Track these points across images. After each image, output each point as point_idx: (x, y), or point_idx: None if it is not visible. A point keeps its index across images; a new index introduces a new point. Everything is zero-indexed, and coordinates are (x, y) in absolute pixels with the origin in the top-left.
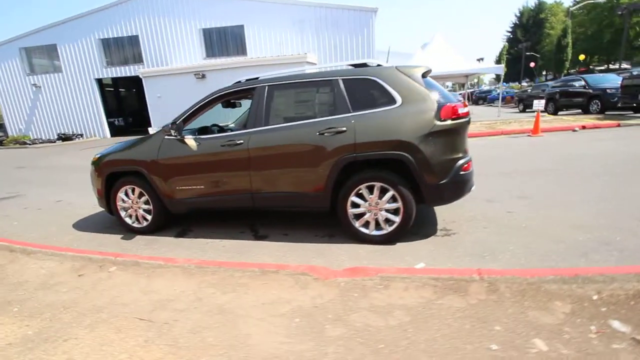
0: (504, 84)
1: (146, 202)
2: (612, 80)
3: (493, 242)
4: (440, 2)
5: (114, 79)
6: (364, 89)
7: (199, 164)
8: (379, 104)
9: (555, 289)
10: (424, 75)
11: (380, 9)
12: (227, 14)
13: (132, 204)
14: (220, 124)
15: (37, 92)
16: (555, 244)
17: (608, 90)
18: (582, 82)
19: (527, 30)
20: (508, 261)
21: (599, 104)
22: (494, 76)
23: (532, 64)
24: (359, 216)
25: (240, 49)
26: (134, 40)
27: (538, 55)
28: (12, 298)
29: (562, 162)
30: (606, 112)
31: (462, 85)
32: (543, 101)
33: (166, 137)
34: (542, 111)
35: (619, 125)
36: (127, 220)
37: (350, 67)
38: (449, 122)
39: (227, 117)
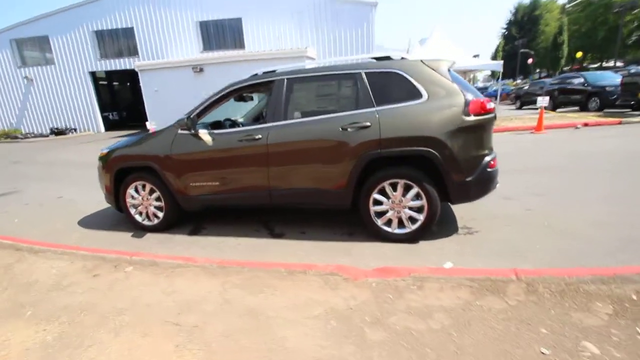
0: (500, 80)
1: (157, 199)
2: (610, 78)
3: (518, 241)
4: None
5: (108, 73)
6: (388, 83)
7: (215, 160)
8: (404, 99)
9: (594, 290)
10: (448, 69)
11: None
12: (224, 7)
13: (143, 200)
14: (232, 119)
15: (28, 85)
16: (580, 243)
17: (607, 88)
18: (581, 80)
19: (522, 27)
20: (538, 260)
21: (598, 101)
22: (490, 73)
23: (530, 60)
24: (380, 214)
25: (238, 43)
26: (129, 33)
27: (533, 53)
28: (24, 300)
29: (569, 159)
30: (605, 110)
31: None
32: (547, 98)
33: (180, 131)
34: (546, 108)
35: (620, 123)
36: (137, 217)
37: (372, 60)
38: (477, 117)
39: (234, 111)
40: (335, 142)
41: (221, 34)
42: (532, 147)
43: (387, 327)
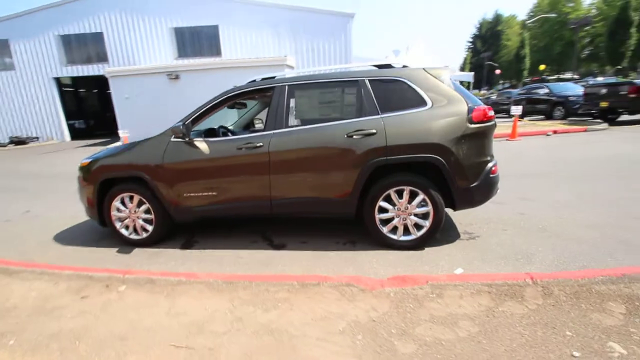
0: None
1: (146, 211)
2: (572, 89)
3: (519, 244)
4: (407, 9)
5: (75, 79)
6: (392, 90)
7: (212, 169)
8: (408, 106)
9: (605, 290)
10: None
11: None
12: (200, 14)
13: (130, 213)
14: (227, 126)
15: None
16: (579, 245)
17: (570, 98)
18: (547, 90)
19: (486, 41)
20: (543, 263)
21: (563, 110)
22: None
23: (497, 71)
24: (386, 221)
25: (215, 50)
26: (97, 38)
27: (497, 65)
28: (3, 329)
29: (548, 165)
30: (569, 118)
31: None
32: (520, 107)
33: (173, 139)
34: (518, 116)
35: (586, 130)
36: (123, 231)
37: (373, 68)
38: (480, 125)
39: (221, 119)
40: (340, 149)
41: (197, 41)
42: (509, 154)
43: (416, 339)
